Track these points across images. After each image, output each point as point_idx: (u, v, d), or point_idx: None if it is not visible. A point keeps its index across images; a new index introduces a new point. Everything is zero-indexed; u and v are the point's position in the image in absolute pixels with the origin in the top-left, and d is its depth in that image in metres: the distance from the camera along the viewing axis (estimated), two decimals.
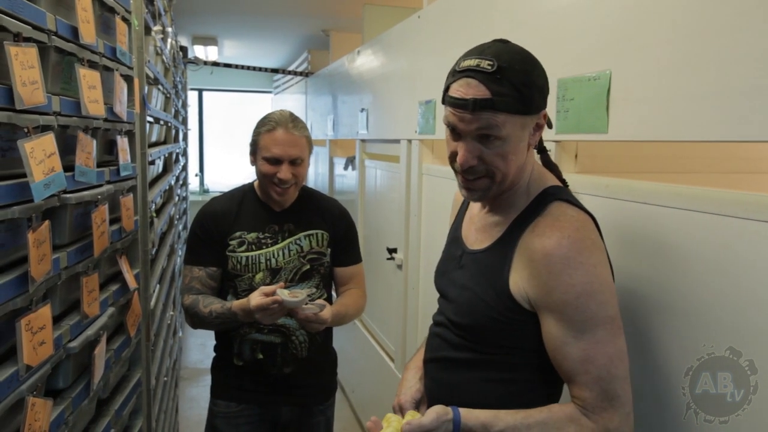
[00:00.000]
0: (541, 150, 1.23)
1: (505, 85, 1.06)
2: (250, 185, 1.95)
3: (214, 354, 1.99)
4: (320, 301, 1.70)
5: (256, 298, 1.62)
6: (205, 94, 8.75)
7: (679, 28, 1.16)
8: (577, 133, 1.43)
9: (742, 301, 1.04)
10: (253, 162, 1.86)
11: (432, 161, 2.57)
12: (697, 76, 1.11)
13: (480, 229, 1.23)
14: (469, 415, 1.08)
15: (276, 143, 1.78)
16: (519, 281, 1.09)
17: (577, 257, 1.02)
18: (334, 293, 2.02)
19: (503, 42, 1.13)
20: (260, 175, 1.84)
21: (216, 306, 1.76)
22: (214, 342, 1.98)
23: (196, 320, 1.81)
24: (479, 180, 1.14)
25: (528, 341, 1.10)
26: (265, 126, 1.81)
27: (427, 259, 2.58)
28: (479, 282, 1.16)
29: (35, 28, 1.21)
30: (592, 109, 1.37)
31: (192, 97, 8.20)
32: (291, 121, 1.82)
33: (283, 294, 1.61)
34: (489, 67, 1.06)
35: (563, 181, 1.21)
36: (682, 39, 1.15)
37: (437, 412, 1.09)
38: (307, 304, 1.63)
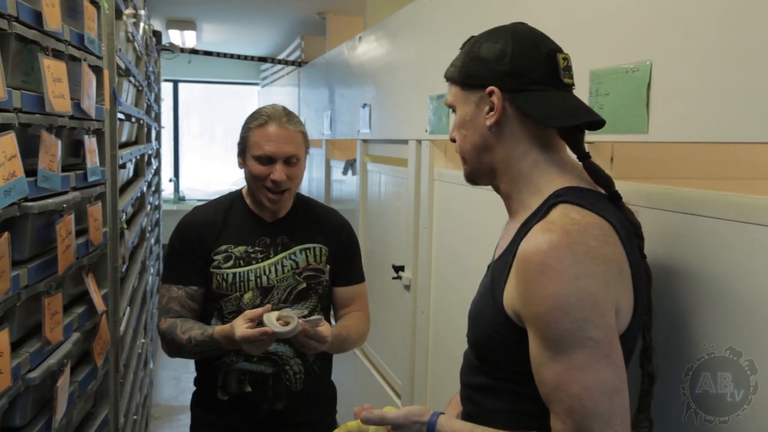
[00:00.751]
0: (582, 156, 1.23)
1: (458, 57, 1.26)
2: (238, 192, 1.97)
3: (194, 388, 2.00)
4: (316, 316, 1.71)
5: (240, 328, 1.62)
6: (180, 86, 8.81)
7: (732, 12, 1.18)
8: (613, 133, 1.45)
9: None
10: (242, 164, 1.89)
11: (445, 165, 2.60)
12: (754, 67, 1.13)
13: (503, 236, 1.27)
14: (447, 423, 1.18)
15: (268, 139, 1.81)
16: (510, 293, 1.12)
17: (555, 265, 1.03)
18: (332, 320, 2.03)
19: (516, 23, 1.24)
20: (250, 178, 1.86)
21: (196, 332, 1.77)
22: (189, 375, 1.99)
23: (173, 348, 1.82)
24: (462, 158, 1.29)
25: (527, 365, 1.12)
26: (256, 120, 1.85)
27: (439, 279, 2.60)
28: (485, 295, 1.21)
29: None
30: (629, 106, 1.39)
31: (166, 89, 8.27)
32: (285, 115, 1.85)
33: (272, 322, 1.61)
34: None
35: (615, 194, 1.20)
36: (736, 24, 1.17)
37: (410, 410, 1.20)
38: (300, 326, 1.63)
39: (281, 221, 1.92)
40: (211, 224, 1.89)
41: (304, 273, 1.89)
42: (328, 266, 1.93)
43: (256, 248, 1.87)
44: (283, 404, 1.87)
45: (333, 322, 2.01)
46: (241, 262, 1.86)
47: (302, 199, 2.00)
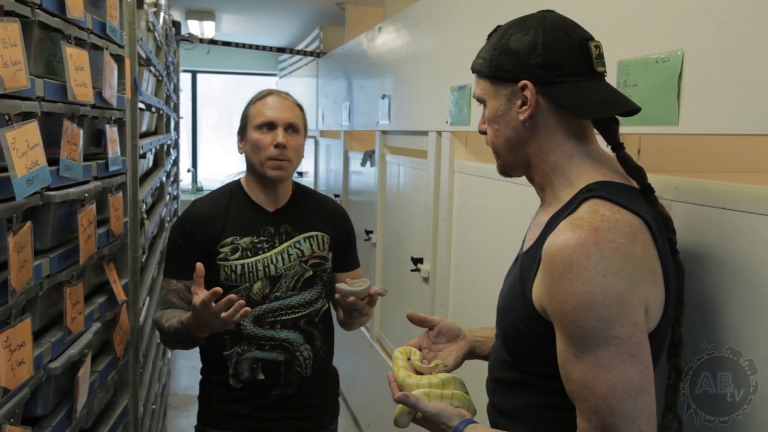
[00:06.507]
0: (616, 147, 1.21)
1: (485, 48, 1.22)
2: (237, 183, 1.99)
3: (201, 377, 2.01)
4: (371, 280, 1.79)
5: (196, 297, 1.62)
6: (199, 76, 8.82)
7: None
8: (641, 124, 1.42)
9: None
10: (242, 148, 1.93)
11: (465, 156, 2.58)
12: None
13: (531, 228, 1.26)
14: (474, 431, 1.16)
15: (269, 107, 1.89)
16: (538, 287, 1.12)
17: (582, 261, 1.02)
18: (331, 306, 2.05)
19: (544, 11, 1.20)
20: (252, 151, 1.89)
21: (173, 321, 1.78)
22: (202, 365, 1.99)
23: (163, 337, 1.86)
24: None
25: (556, 360, 1.11)
26: (256, 96, 1.94)
27: (458, 271, 2.58)
28: (514, 288, 1.19)
29: (18, 0, 1.23)
30: (659, 97, 1.36)
31: (185, 80, 8.28)
32: (283, 91, 1.96)
33: (344, 285, 1.73)
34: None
35: (647, 186, 1.18)
36: None
37: (442, 411, 1.18)
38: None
39: (283, 210, 1.94)
40: (214, 217, 1.90)
41: (310, 261, 1.92)
42: (330, 253, 1.97)
43: (261, 238, 1.89)
44: (294, 390, 1.91)
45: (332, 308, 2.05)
46: (248, 253, 1.87)
47: (300, 187, 2.03)
